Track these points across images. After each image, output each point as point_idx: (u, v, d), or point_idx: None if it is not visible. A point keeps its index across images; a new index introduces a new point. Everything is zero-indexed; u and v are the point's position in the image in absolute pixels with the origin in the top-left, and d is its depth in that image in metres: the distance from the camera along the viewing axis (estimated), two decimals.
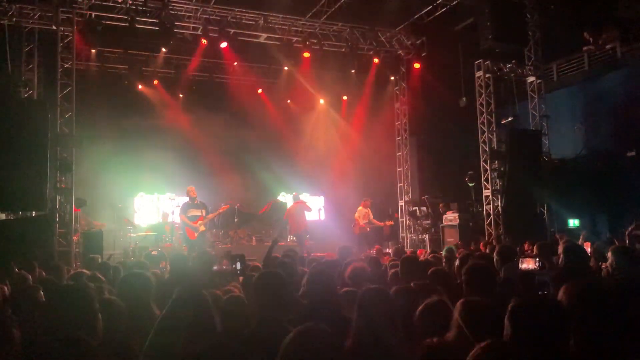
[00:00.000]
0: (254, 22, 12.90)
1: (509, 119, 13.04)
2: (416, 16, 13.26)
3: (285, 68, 14.58)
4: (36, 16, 10.67)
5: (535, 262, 4.27)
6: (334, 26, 13.56)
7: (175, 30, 11.79)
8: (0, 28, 10.43)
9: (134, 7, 11.41)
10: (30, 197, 9.37)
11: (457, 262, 5.52)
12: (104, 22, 11.21)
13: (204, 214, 10.36)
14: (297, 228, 12.24)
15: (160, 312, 2.91)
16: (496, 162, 12.42)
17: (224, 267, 5.73)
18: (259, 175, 15.16)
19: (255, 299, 3.13)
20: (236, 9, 12.41)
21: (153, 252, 9.15)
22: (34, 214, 9.76)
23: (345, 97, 16.24)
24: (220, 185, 14.00)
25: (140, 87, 14.61)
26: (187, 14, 12.28)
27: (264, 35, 13.09)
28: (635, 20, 11.82)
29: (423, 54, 14.28)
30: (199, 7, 12.13)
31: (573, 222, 12.93)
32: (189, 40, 12.68)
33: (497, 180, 12.39)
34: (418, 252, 10.01)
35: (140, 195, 15.11)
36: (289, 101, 16.61)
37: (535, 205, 12.68)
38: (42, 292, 3.71)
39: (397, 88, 15.65)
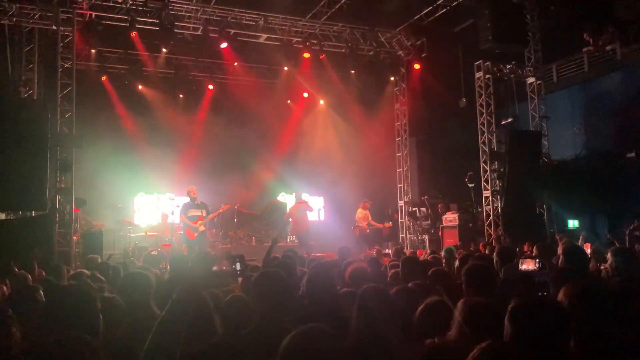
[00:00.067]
0: (254, 23, 12.91)
1: (509, 119, 13.06)
2: (416, 17, 13.25)
3: (285, 68, 14.59)
4: (36, 16, 10.66)
5: (535, 263, 4.26)
6: (334, 27, 13.57)
7: (175, 31, 11.80)
8: (0, 28, 10.43)
9: (134, 7, 11.42)
10: (30, 197, 9.36)
11: (456, 263, 5.53)
12: (104, 22, 11.22)
13: (204, 214, 10.35)
14: (299, 228, 12.15)
15: (160, 312, 2.91)
16: (496, 163, 12.44)
17: (224, 268, 5.71)
18: (259, 175, 15.17)
19: (254, 299, 3.13)
20: (236, 10, 12.42)
21: (153, 253, 9.15)
22: (33, 214, 9.76)
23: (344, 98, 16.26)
24: (220, 185, 13.98)
25: (140, 87, 14.62)
26: (187, 14, 12.29)
27: (264, 35, 13.09)
28: (634, 22, 11.84)
29: (423, 55, 14.28)
30: (199, 8, 12.13)
31: (572, 223, 12.93)
32: (189, 40, 12.69)
33: (497, 181, 12.40)
34: (418, 252, 10.00)
35: (140, 195, 15.10)
36: (289, 101, 16.62)
37: (535, 206, 12.69)
38: (41, 292, 3.71)
39: (397, 89, 15.66)
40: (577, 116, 13.89)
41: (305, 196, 13.63)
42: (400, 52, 14.77)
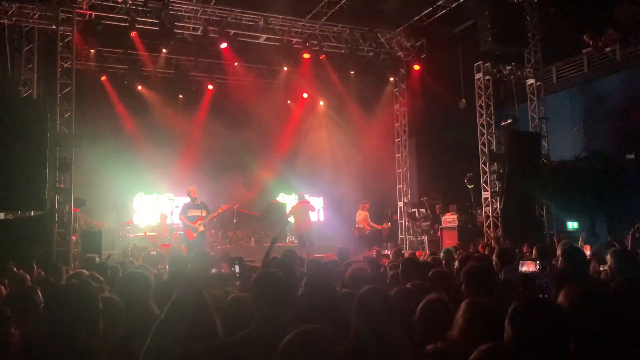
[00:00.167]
0: (254, 23, 12.91)
1: (509, 121, 13.04)
2: (416, 18, 13.26)
3: (285, 69, 14.59)
4: (36, 16, 10.66)
5: (535, 265, 4.25)
6: (333, 27, 13.58)
7: (175, 31, 11.80)
8: (0, 27, 10.42)
9: (134, 7, 11.43)
10: (29, 196, 9.36)
11: (456, 264, 5.52)
12: (103, 22, 11.22)
13: (204, 214, 10.32)
14: (301, 228, 12.08)
15: (159, 312, 2.90)
16: (495, 164, 12.44)
17: (223, 271, 5.69)
18: (258, 175, 15.16)
19: (254, 300, 3.12)
20: (236, 10, 12.42)
21: (152, 253, 9.14)
22: (32, 214, 9.75)
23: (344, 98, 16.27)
24: (219, 186, 13.98)
25: (139, 87, 14.61)
26: (187, 14, 12.28)
27: (264, 36, 13.09)
28: (634, 23, 11.84)
29: (423, 56, 14.30)
30: (199, 8, 12.14)
31: (572, 225, 12.93)
32: (188, 40, 12.69)
33: (496, 182, 12.40)
34: (417, 253, 10.00)
35: (139, 195, 15.09)
36: (288, 102, 16.62)
37: (534, 208, 12.69)
38: (39, 292, 3.70)
39: (396, 89, 15.66)
40: (576, 117, 13.89)
41: (306, 197, 13.59)
42: (400, 53, 14.77)
